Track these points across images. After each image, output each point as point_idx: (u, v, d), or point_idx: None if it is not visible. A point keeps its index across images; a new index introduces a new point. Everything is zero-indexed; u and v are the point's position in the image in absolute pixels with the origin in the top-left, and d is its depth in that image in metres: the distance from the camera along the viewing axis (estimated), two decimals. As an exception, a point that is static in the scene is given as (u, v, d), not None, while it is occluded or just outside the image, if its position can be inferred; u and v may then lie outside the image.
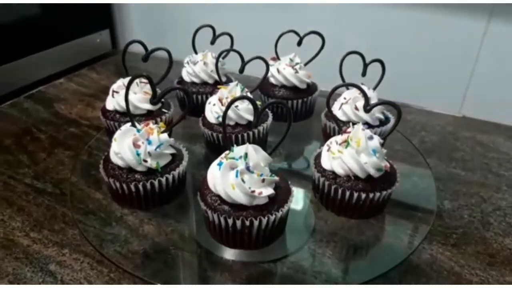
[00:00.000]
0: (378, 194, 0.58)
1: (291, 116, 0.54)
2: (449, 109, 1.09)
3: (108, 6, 1.38)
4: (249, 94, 0.69)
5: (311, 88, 0.85)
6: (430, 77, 1.08)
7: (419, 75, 1.09)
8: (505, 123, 1.05)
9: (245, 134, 0.69)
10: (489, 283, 0.62)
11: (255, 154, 0.50)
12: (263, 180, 0.50)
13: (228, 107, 0.52)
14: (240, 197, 0.49)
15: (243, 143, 0.70)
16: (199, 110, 0.77)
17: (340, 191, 0.58)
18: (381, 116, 0.71)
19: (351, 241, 0.65)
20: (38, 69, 1.18)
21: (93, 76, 1.27)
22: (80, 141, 0.93)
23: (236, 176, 0.48)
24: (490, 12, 0.95)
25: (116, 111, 0.72)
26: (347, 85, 0.62)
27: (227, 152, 0.53)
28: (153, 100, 0.56)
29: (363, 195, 0.57)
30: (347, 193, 0.57)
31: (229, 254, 0.60)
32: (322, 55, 0.84)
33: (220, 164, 0.51)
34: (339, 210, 0.61)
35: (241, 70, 0.71)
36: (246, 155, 0.50)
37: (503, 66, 1.00)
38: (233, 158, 0.50)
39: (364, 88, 0.66)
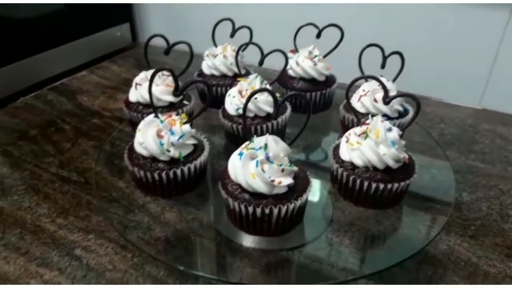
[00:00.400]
0: (396, 185, 0.58)
1: (310, 108, 0.55)
2: (469, 102, 1.08)
3: (128, 0, 1.40)
4: (268, 87, 0.70)
5: (329, 80, 0.86)
6: (450, 69, 1.07)
7: (439, 67, 1.08)
8: (526, 115, 1.04)
9: (264, 126, 0.70)
10: (506, 274, 0.62)
11: (275, 145, 0.52)
12: (283, 170, 0.51)
13: (248, 99, 0.53)
14: (260, 186, 0.50)
15: (262, 134, 0.71)
16: (218, 102, 0.78)
17: (358, 181, 0.59)
18: (400, 108, 0.71)
19: (368, 231, 0.66)
20: (61, 62, 1.21)
21: (114, 69, 1.29)
22: (103, 132, 0.96)
23: (257, 166, 0.50)
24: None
25: (139, 103, 0.74)
26: (367, 77, 0.63)
27: (247, 142, 0.55)
28: (176, 92, 0.58)
29: (381, 186, 0.58)
30: (366, 184, 0.58)
31: (248, 241, 0.62)
32: (340, 48, 0.85)
33: (240, 154, 0.52)
34: (357, 200, 0.62)
35: (261, 63, 0.72)
36: (266, 145, 0.51)
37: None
38: (253, 149, 0.52)
39: (383, 80, 0.66)
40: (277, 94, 0.62)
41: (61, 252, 0.65)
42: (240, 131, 0.71)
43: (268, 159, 0.51)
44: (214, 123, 0.85)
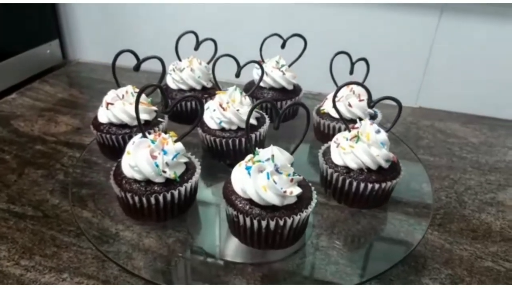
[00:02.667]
0: (389, 183, 0.61)
1: (309, 115, 0.56)
2: (407, 101, 1.18)
3: (56, 15, 1.30)
4: (247, 98, 0.70)
5: (296, 89, 0.88)
6: (387, 71, 1.15)
7: (377, 70, 1.15)
8: (456, 110, 1.15)
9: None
10: (477, 256, 0.68)
11: (281, 155, 0.52)
12: (292, 180, 0.51)
13: (251, 112, 0.52)
14: (272, 198, 0.50)
15: (245, 146, 0.71)
16: (186, 117, 0.76)
17: (355, 183, 0.61)
18: (372, 112, 0.75)
19: (349, 231, 0.68)
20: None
21: (46, 89, 1.19)
22: (50, 158, 0.88)
23: (268, 178, 0.49)
24: (441, 8, 1.04)
25: (111, 124, 0.69)
26: (352, 84, 0.65)
27: (250, 156, 0.54)
28: (166, 110, 0.55)
29: (377, 186, 0.61)
30: (362, 185, 0.61)
31: (238, 257, 0.61)
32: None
33: (248, 168, 0.51)
34: (352, 202, 0.64)
35: (237, 75, 0.71)
36: (273, 156, 0.51)
37: (452, 60, 1.10)
38: (260, 161, 0.51)
39: (355, 85, 0.69)
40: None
41: (34, 297, 0.59)
42: (224, 145, 0.70)
43: (277, 170, 0.51)
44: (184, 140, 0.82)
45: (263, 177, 0.50)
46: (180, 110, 0.82)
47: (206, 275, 0.61)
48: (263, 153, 0.52)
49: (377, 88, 1.15)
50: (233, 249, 0.63)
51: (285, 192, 0.50)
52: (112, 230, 0.67)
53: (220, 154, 0.71)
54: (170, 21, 1.22)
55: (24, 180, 0.81)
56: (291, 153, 0.54)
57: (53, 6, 1.30)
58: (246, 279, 0.60)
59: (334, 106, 0.64)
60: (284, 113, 0.86)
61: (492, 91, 1.11)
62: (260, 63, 0.75)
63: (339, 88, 0.62)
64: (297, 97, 0.86)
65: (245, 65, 0.71)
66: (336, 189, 0.64)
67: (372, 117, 0.76)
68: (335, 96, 0.64)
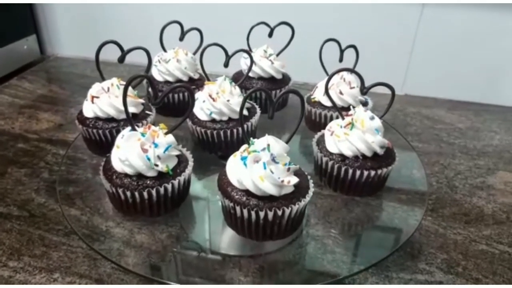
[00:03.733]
0: (384, 170, 0.61)
1: (303, 103, 0.54)
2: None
3: (32, 9, 1.26)
4: (237, 88, 0.69)
5: (285, 78, 0.87)
6: (373, 61, 1.15)
7: (363, 59, 1.15)
8: (441, 97, 1.16)
9: (240, 129, 0.68)
10: (471, 239, 0.69)
11: (277, 145, 0.51)
12: (289, 169, 0.50)
13: (245, 101, 0.51)
14: (270, 189, 0.49)
15: (237, 137, 0.69)
16: (173, 109, 0.74)
17: (350, 171, 0.60)
18: (363, 99, 0.75)
19: (344, 220, 0.68)
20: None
21: (25, 86, 1.15)
22: (33, 157, 0.85)
23: (265, 168, 0.48)
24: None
25: (97, 118, 0.66)
26: (346, 70, 0.64)
27: (245, 146, 0.53)
28: (155, 101, 0.53)
29: (372, 173, 0.60)
30: (358, 173, 0.60)
31: (232, 250, 0.61)
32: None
33: (244, 158, 0.50)
34: (348, 189, 0.64)
35: (226, 64, 0.70)
36: (269, 146, 0.50)
37: (436, 48, 1.11)
38: (256, 151, 0.50)
39: (345, 73, 0.69)
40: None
41: (25, 299, 0.57)
42: (215, 136, 0.68)
43: (274, 159, 0.49)
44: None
45: (259, 167, 0.49)
46: (167, 102, 0.80)
47: (201, 269, 0.60)
48: (259, 143, 0.51)
49: (363, 76, 1.16)
50: (227, 242, 0.62)
51: (282, 181, 0.49)
52: (102, 227, 0.65)
53: (212, 146, 0.70)
54: (152, 12, 1.20)
55: (7, 180, 0.78)
56: (286, 142, 0.53)
57: (29, 3, 1.25)
58: (242, 272, 0.59)
59: (327, 94, 0.63)
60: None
61: (476, 77, 1.12)
62: (248, 52, 0.74)
63: (331, 75, 0.61)
64: (286, 86, 0.85)
65: (233, 54, 0.69)
66: (332, 177, 0.63)
67: (364, 104, 0.76)
68: (327, 83, 0.63)
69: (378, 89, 0.64)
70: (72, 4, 1.26)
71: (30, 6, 1.25)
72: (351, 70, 0.62)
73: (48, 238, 0.66)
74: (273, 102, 0.52)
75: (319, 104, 0.76)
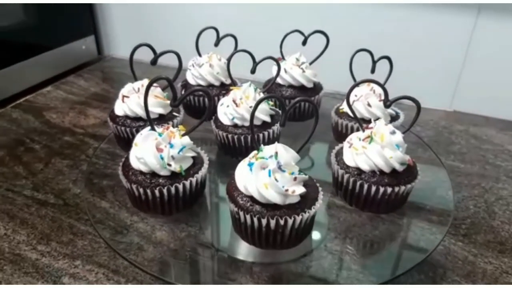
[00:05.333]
0: (403, 187, 0.58)
1: (317, 112, 0.54)
2: (441, 105, 1.12)
3: (92, 12, 1.35)
4: (261, 94, 0.69)
5: (316, 87, 0.86)
6: (421, 73, 1.11)
7: (410, 72, 1.11)
8: (494, 116, 1.08)
9: (261, 135, 0.68)
10: (502, 270, 0.64)
11: (285, 153, 0.50)
12: (295, 179, 0.50)
13: (256, 107, 0.51)
14: (273, 197, 0.49)
15: (258, 143, 0.70)
16: (203, 113, 0.76)
17: (366, 186, 0.58)
18: (393, 112, 0.72)
19: (366, 237, 0.66)
20: (23, 78, 1.14)
21: (80, 83, 1.23)
22: (76, 149, 0.91)
23: (269, 176, 0.48)
24: (478, 8, 0.98)
25: (126, 116, 0.70)
26: (368, 82, 0.62)
27: (255, 152, 0.53)
28: (174, 103, 0.55)
29: (389, 190, 0.58)
30: (373, 188, 0.58)
31: (246, 255, 0.60)
32: (324, 55, 0.85)
33: (250, 164, 0.50)
34: (364, 205, 0.62)
35: (253, 71, 0.71)
36: (276, 154, 0.50)
37: (491, 62, 1.04)
38: (263, 158, 0.50)
39: (375, 85, 0.67)
40: (270, 103, 0.61)
41: (47, 281, 0.60)
42: (236, 141, 0.69)
43: (280, 167, 0.49)
44: (197, 136, 0.82)
45: (264, 174, 0.49)
46: (198, 105, 0.82)
47: (213, 271, 0.60)
48: (267, 150, 0.51)
49: (409, 89, 1.11)
50: (242, 247, 0.62)
51: (286, 190, 0.48)
52: (127, 221, 0.68)
53: (233, 151, 0.71)
54: (198, 18, 1.23)
55: (50, 169, 0.84)
56: (297, 152, 0.52)
57: (90, 5, 1.34)
58: (252, 278, 0.59)
59: (348, 105, 0.62)
60: (304, 112, 0.85)
61: (535, 96, 1.04)
62: (277, 60, 0.74)
63: (353, 87, 0.60)
64: (317, 96, 0.84)
65: (260, 61, 0.70)
66: (347, 191, 0.61)
67: (394, 118, 0.73)
68: (349, 94, 0.61)
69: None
70: (129, 9, 1.33)
71: (90, 9, 1.34)
72: (375, 82, 0.60)
73: (77, 226, 0.70)
74: (285, 110, 0.52)
75: (346, 115, 0.75)
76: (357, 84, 0.59)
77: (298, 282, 0.59)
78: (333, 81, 0.87)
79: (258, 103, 0.50)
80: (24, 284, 0.60)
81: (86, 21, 1.33)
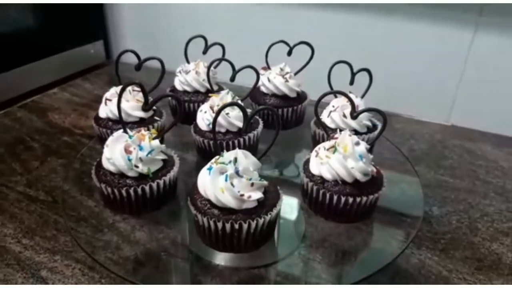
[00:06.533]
0: (365, 198, 0.59)
1: (279, 121, 0.55)
2: (438, 118, 1.12)
3: (101, 17, 1.40)
4: (240, 103, 0.71)
5: (301, 96, 0.87)
6: (419, 86, 1.10)
7: (408, 85, 1.11)
8: (491, 131, 1.07)
9: (236, 141, 0.70)
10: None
11: (245, 159, 0.52)
12: (252, 184, 0.51)
13: (218, 113, 0.53)
14: (229, 201, 0.50)
15: (233, 149, 0.71)
16: (191, 118, 0.78)
17: (328, 195, 0.59)
18: (369, 123, 0.73)
19: (340, 247, 0.66)
20: (32, 79, 1.19)
21: (86, 86, 1.28)
22: (73, 149, 0.94)
23: (226, 180, 0.49)
24: (476, 23, 0.98)
25: (108, 119, 0.73)
26: (335, 93, 0.64)
27: (217, 157, 0.55)
28: (145, 107, 0.57)
29: (351, 199, 0.58)
30: (335, 197, 0.59)
31: (219, 259, 0.61)
32: (311, 65, 0.86)
33: (210, 168, 0.52)
34: (327, 214, 0.62)
35: (232, 79, 0.72)
36: (235, 159, 0.51)
37: (489, 76, 1.02)
38: (223, 163, 0.51)
39: (352, 96, 0.67)
40: (248, 110, 0.62)
41: (26, 274, 0.63)
42: (212, 147, 0.71)
43: (237, 173, 0.51)
44: (186, 140, 0.84)
45: (222, 179, 0.50)
46: (188, 111, 0.84)
47: (184, 273, 0.62)
48: (228, 155, 0.52)
49: (406, 102, 1.11)
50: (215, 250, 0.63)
51: (242, 195, 0.49)
52: (109, 220, 0.70)
53: (209, 155, 0.71)
54: (206, 24, 1.26)
55: (45, 167, 0.87)
56: (259, 159, 0.53)
57: (101, 10, 1.39)
58: (223, 282, 0.60)
59: (316, 114, 0.63)
60: (287, 120, 0.86)
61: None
62: (255, 69, 0.75)
63: (320, 98, 0.61)
64: (300, 105, 0.85)
65: (240, 69, 0.71)
66: (312, 199, 0.62)
67: (370, 129, 0.73)
68: (316, 105, 0.62)
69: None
70: (137, 15, 1.38)
71: (100, 14, 1.39)
72: (341, 93, 0.61)
73: (61, 223, 0.73)
74: (248, 117, 0.53)
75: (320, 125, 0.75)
76: (324, 95, 0.60)
77: None
78: (319, 91, 0.88)
79: (220, 110, 0.52)
80: (5, 275, 0.63)
81: (96, 26, 1.39)
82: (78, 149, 0.94)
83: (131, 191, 0.58)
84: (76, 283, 0.62)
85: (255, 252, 0.60)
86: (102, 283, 0.62)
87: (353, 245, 0.66)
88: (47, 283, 0.61)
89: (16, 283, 0.61)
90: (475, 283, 0.64)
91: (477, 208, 0.80)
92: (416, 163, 0.85)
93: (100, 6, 1.38)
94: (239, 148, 0.70)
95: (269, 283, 0.60)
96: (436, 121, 1.12)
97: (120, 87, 0.72)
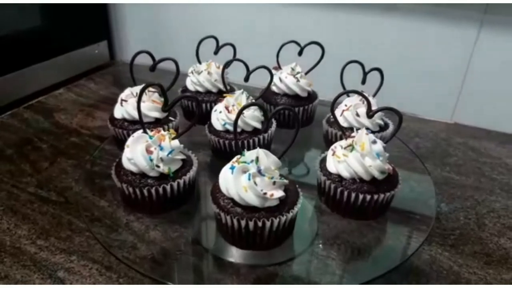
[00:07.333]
0: (382, 195, 0.60)
1: (299, 121, 0.56)
2: (442, 116, 1.13)
3: (106, 17, 1.40)
4: (260, 103, 0.72)
5: (311, 96, 0.88)
6: (423, 85, 1.12)
7: (413, 83, 1.12)
8: (495, 129, 1.08)
9: (251, 140, 0.71)
10: (486, 281, 0.64)
11: (266, 158, 0.53)
12: (274, 183, 0.52)
13: (239, 114, 0.54)
14: (252, 199, 0.51)
15: (248, 149, 0.72)
16: (203, 118, 0.79)
17: (346, 193, 0.60)
18: (381, 122, 0.74)
19: (353, 244, 0.67)
20: (37, 80, 1.19)
21: (91, 87, 1.28)
22: (81, 150, 0.94)
23: (249, 179, 0.50)
24: (480, 21, 0.99)
25: (124, 119, 0.73)
26: (351, 92, 0.65)
27: (238, 156, 0.55)
28: (165, 108, 0.58)
29: (368, 197, 0.59)
30: (353, 195, 0.60)
31: (235, 257, 0.62)
32: (321, 65, 0.87)
33: (232, 168, 0.53)
34: (344, 212, 0.63)
35: (246, 79, 0.73)
36: (257, 159, 0.52)
37: (493, 74, 1.04)
38: (245, 162, 0.52)
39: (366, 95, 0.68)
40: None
41: (43, 274, 0.63)
42: (227, 146, 0.72)
43: (260, 172, 0.52)
44: (197, 140, 0.85)
45: (244, 178, 0.51)
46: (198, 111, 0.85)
47: (201, 271, 0.62)
48: (249, 154, 0.53)
49: (410, 101, 1.13)
50: (230, 248, 0.63)
51: (265, 194, 0.50)
52: (123, 220, 0.70)
53: (224, 155, 0.73)
54: (211, 25, 1.27)
55: (54, 168, 0.88)
56: (279, 157, 0.54)
57: (105, 11, 1.39)
58: (239, 279, 0.61)
59: (332, 113, 0.64)
60: (299, 120, 0.87)
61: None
62: (269, 69, 0.76)
63: (336, 98, 0.62)
64: (311, 105, 0.86)
65: (254, 70, 0.72)
66: (329, 197, 0.63)
67: (382, 128, 0.74)
68: (332, 104, 0.63)
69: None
70: (142, 16, 1.38)
71: (105, 15, 1.39)
72: (357, 92, 0.62)
73: (75, 223, 0.73)
74: (268, 118, 0.54)
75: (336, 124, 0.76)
76: (341, 94, 0.61)
77: (279, 286, 0.60)
78: (330, 90, 0.89)
79: (241, 110, 0.53)
80: (22, 276, 0.63)
81: (100, 27, 1.39)
82: (86, 150, 0.94)
83: (153, 190, 0.59)
84: (94, 283, 0.62)
85: (271, 250, 0.61)
86: (120, 283, 0.63)
87: (366, 242, 0.67)
88: (64, 284, 0.62)
89: (33, 284, 0.61)
90: (485, 277, 0.65)
91: (483, 204, 0.81)
92: (422, 161, 0.86)
93: (104, 6, 1.38)
94: (254, 147, 0.71)
95: (285, 281, 0.61)
96: (440, 119, 1.13)
97: (136, 87, 0.73)
